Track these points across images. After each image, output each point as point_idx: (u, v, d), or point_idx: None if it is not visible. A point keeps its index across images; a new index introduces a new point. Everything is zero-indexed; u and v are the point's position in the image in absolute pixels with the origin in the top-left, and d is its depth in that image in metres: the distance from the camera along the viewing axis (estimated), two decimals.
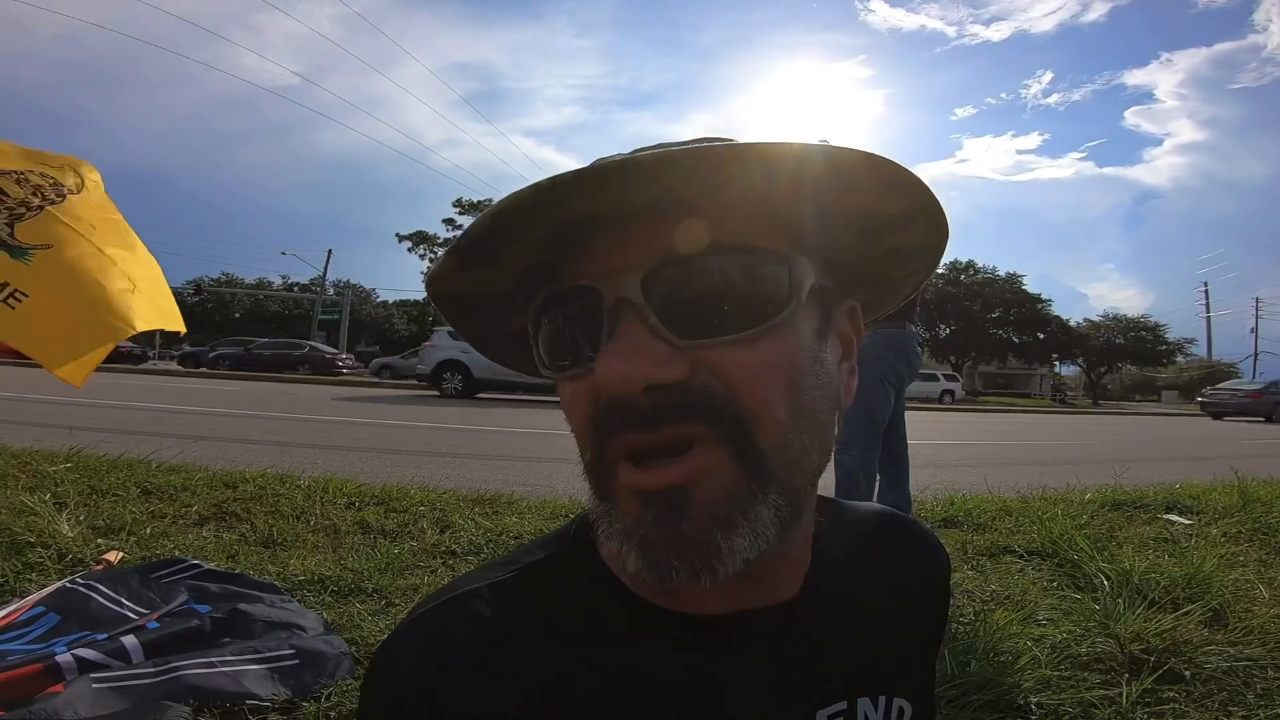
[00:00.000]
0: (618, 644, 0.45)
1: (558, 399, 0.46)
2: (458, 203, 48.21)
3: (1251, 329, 59.74)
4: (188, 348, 30.28)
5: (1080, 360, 49.30)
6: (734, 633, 0.47)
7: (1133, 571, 2.84)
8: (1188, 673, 2.13)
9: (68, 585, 2.35)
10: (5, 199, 1.85)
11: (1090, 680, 2.08)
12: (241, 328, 47.16)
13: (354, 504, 3.76)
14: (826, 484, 3.79)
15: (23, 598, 2.28)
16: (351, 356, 29.51)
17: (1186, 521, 4.14)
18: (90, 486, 3.91)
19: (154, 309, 2.02)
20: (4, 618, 2.04)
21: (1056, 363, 52.67)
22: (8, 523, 3.06)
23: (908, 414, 3.48)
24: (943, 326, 47.22)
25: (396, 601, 2.53)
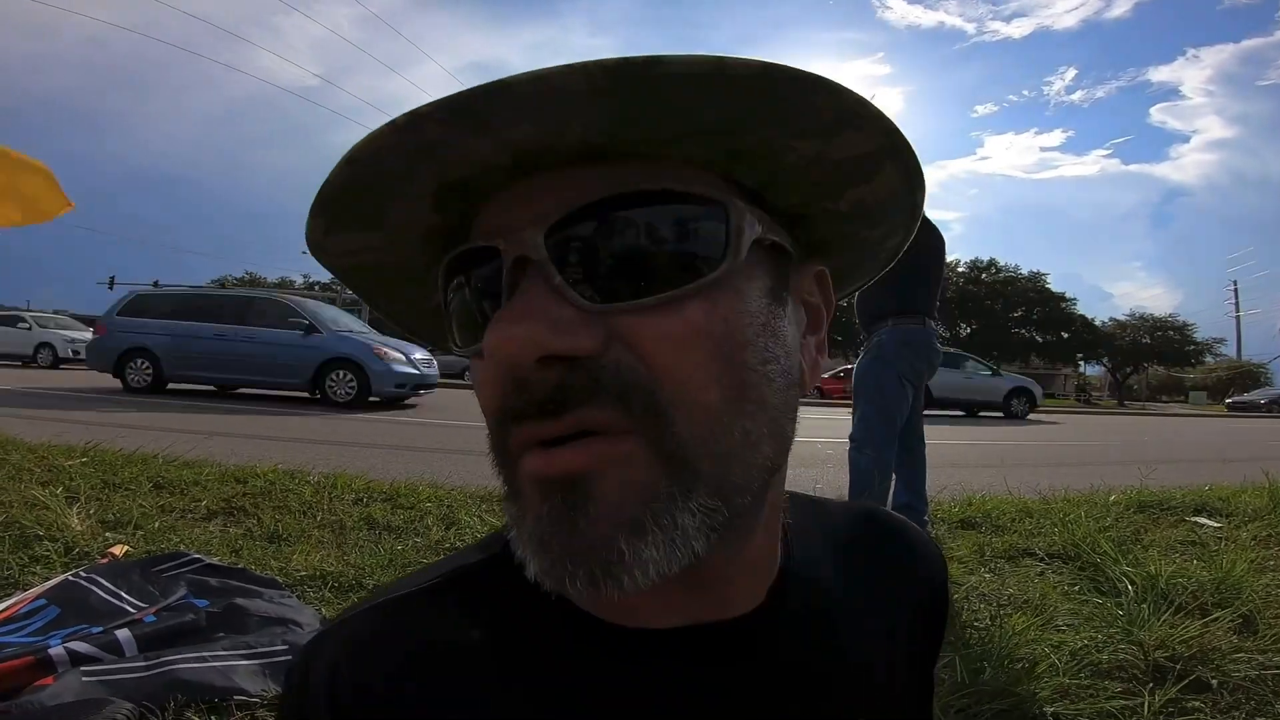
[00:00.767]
0: (544, 659, 0.39)
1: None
2: None
3: None
4: None
5: (1105, 360, 48.49)
6: (679, 650, 0.40)
7: (1158, 576, 2.74)
8: (1214, 681, 2.03)
9: (70, 579, 2.35)
10: None
11: (1111, 689, 1.99)
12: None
13: (361, 500, 3.75)
14: (839, 484, 3.72)
15: (25, 590, 2.29)
16: None
17: (1215, 524, 4.00)
18: (104, 481, 3.94)
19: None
20: (5, 610, 2.04)
21: (1081, 363, 51.80)
22: (18, 516, 3.08)
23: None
24: (963, 325, 46.68)
25: None
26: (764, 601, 0.43)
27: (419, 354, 11.04)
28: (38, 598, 2.16)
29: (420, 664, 0.38)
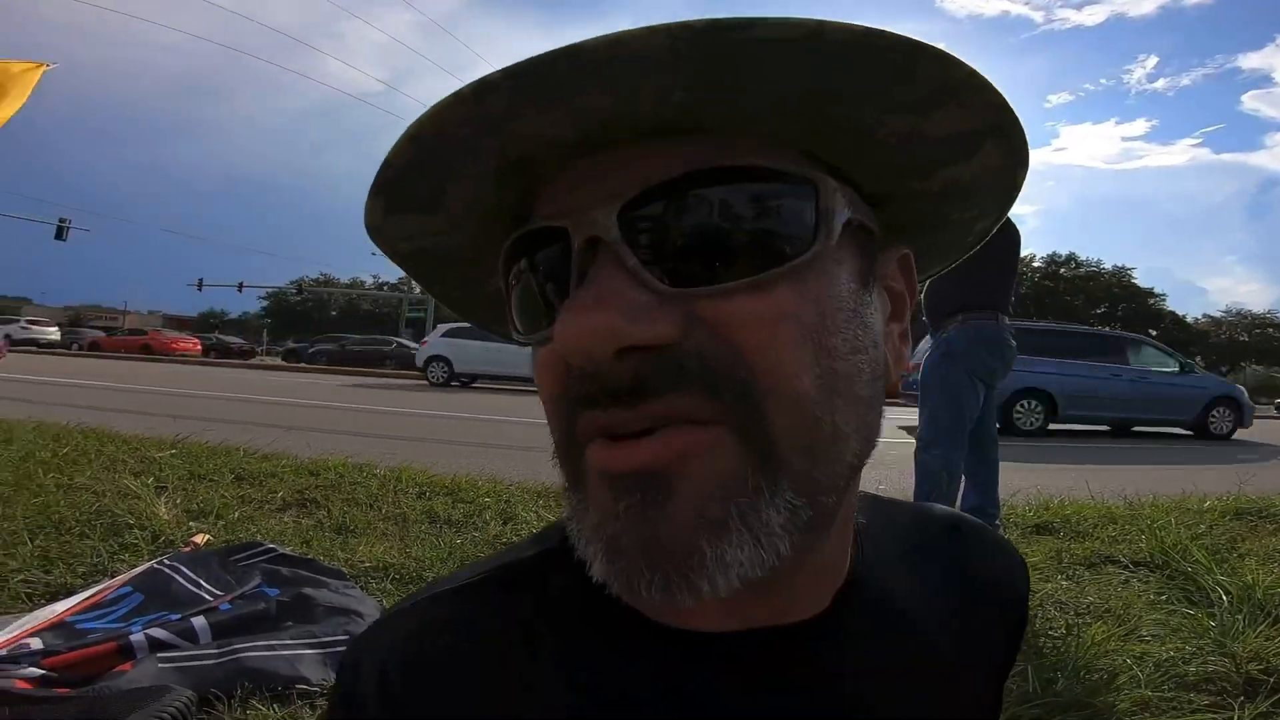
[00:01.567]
0: (593, 658, 0.38)
1: None
2: None
3: None
4: (291, 344, 32.50)
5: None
6: (734, 656, 0.37)
7: (1256, 586, 2.54)
8: None
9: (155, 566, 2.49)
10: None
11: (1197, 702, 1.86)
12: (338, 325, 50.10)
13: (424, 494, 3.85)
14: (904, 488, 3.60)
15: (114, 577, 2.43)
16: None
17: None
18: (190, 471, 4.18)
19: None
20: (93, 596, 2.17)
21: None
22: (110, 505, 3.30)
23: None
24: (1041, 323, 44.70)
25: None
26: (828, 607, 0.39)
27: None
28: (124, 585, 2.29)
29: (470, 657, 0.38)
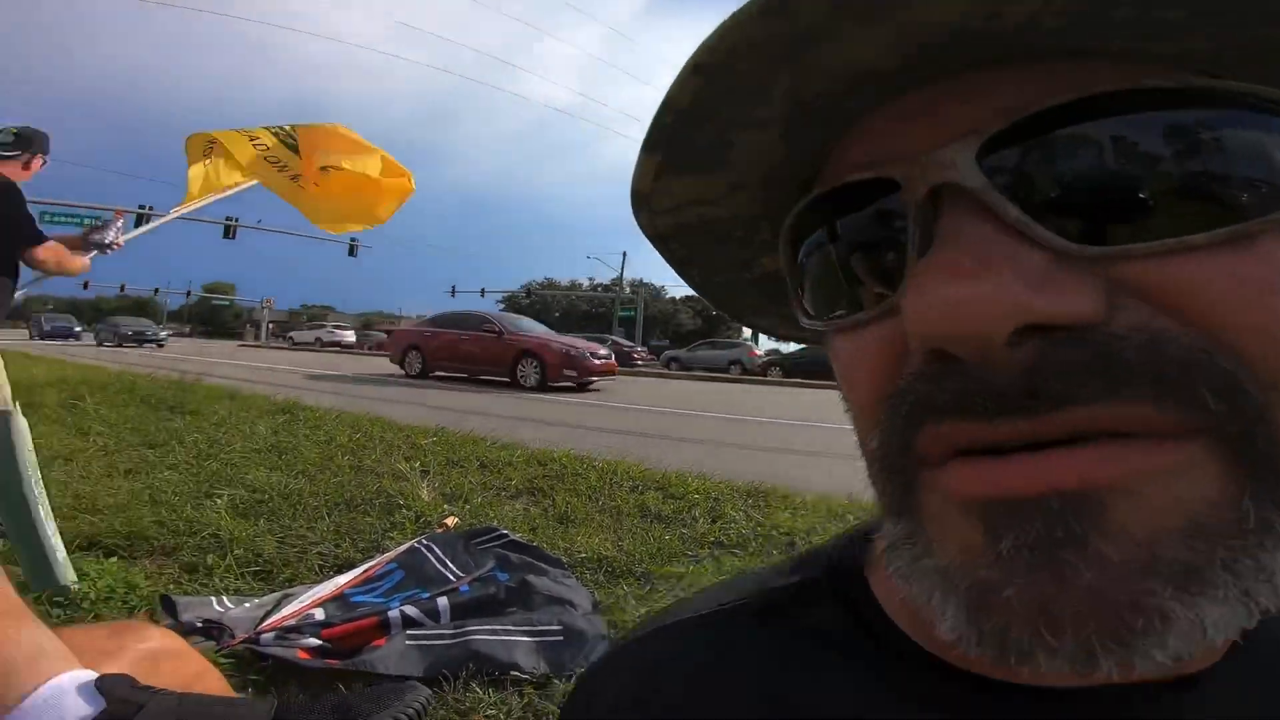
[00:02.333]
0: (869, 709, 0.30)
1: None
2: None
3: None
4: None
5: None
6: None
7: None
8: None
9: (415, 545, 2.90)
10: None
11: None
12: (560, 325, 55.15)
13: (637, 488, 4.04)
14: None
15: (383, 554, 2.89)
16: (645, 349, 32.31)
17: None
18: (447, 458, 4.81)
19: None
20: (367, 571, 2.60)
21: None
22: (387, 486, 3.92)
23: None
24: None
25: (659, 587, 2.66)
26: (1215, 665, 0.28)
27: None
28: (389, 561, 2.71)
29: (709, 698, 0.32)
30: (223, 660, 1.83)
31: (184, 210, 3.75)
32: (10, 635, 0.80)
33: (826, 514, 3.61)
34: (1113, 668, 0.21)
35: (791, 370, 21.16)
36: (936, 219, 0.24)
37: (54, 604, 2.22)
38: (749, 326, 0.42)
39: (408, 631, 2.04)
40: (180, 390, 7.47)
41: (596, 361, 12.51)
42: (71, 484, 3.62)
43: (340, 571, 2.65)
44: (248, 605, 2.23)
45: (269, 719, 0.93)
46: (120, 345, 29.28)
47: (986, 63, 0.24)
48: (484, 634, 2.04)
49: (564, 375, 12.04)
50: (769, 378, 21.39)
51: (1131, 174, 0.22)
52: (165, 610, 2.16)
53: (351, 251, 36.75)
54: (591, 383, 12.78)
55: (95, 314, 58.63)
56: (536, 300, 60.91)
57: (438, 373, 13.66)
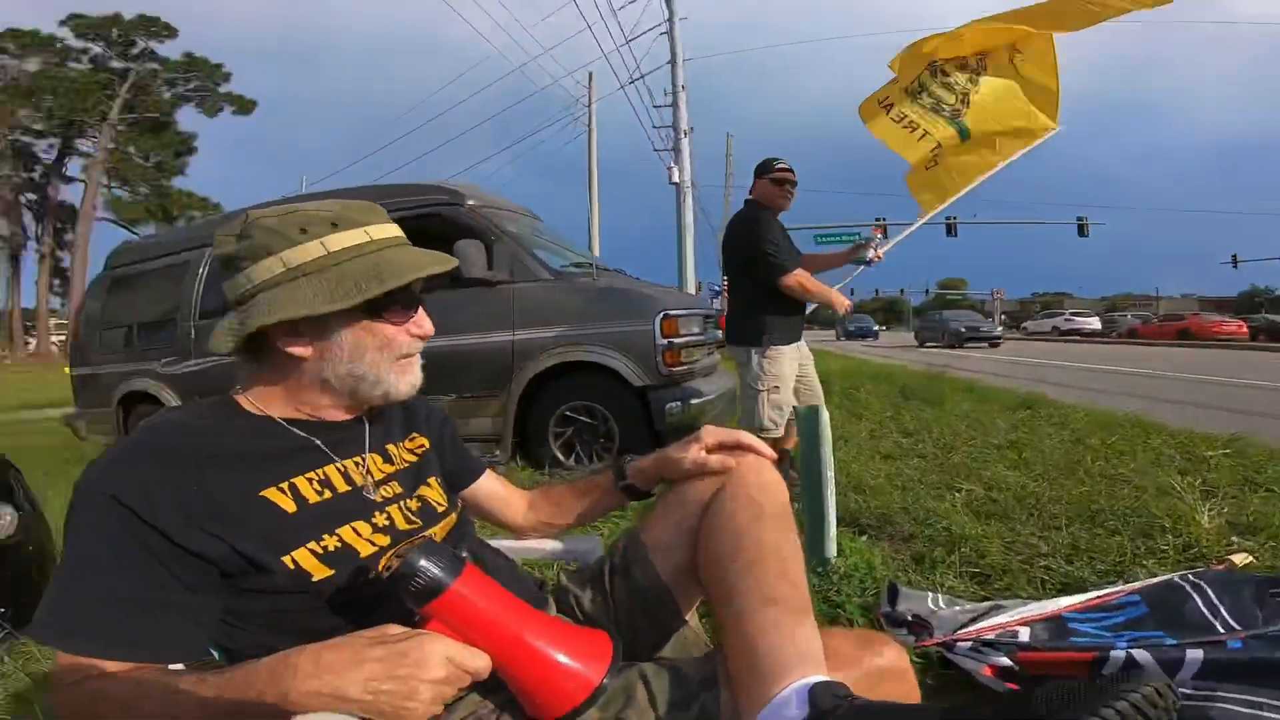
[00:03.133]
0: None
1: None
2: None
3: None
4: None
5: None
6: None
7: None
8: None
9: (1174, 579, 2.31)
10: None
11: None
12: None
13: None
14: None
15: (1126, 582, 2.40)
16: None
17: None
18: (1244, 478, 3.68)
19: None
20: (1099, 598, 2.21)
21: None
22: (1148, 503, 3.24)
23: None
24: None
25: None
26: None
27: None
28: (1133, 592, 2.23)
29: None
30: (915, 660, 1.85)
31: (928, 216, 4.09)
32: (787, 633, 0.84)
33: None
34: None
35: None
36: None
37: (815, 573, 2.67)
38: None
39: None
40: (929, 381, 8.20)
41: None
42: (847, 463, 4.36)
43: (1064, 592, 2.33)
44: (957, 608, 2.20)
45: None
46: (953, 346, 26.14)
47: None
48: (1233, 703, 1.46)
49: None
50: None
51: None
52: (888, 597, 2.33)
53: (1081, 231, 31.35)
54: None
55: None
56: None
57: None
